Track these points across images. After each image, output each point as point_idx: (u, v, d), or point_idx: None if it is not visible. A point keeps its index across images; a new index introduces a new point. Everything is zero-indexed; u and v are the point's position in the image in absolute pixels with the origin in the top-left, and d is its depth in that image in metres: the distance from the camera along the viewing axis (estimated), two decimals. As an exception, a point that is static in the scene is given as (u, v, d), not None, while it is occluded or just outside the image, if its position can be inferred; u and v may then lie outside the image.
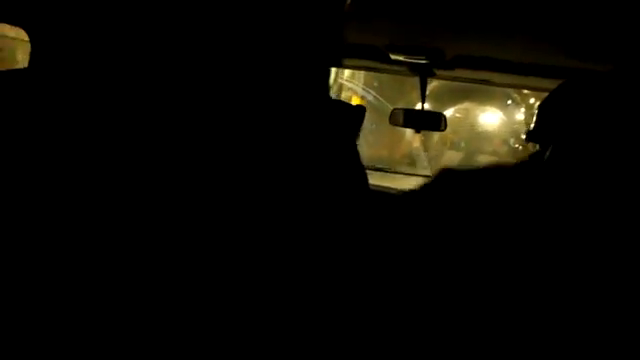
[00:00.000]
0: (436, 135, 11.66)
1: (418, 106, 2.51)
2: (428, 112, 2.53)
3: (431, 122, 2.51)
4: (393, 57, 2.24)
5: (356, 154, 0.65)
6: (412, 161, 12.12)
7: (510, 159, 14.77)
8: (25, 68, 0.62)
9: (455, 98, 12.36)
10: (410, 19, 1.87)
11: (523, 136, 14.28)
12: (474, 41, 2.00)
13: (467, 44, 2.07)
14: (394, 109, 2.58)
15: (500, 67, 2.18)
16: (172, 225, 0.50)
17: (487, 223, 0.81)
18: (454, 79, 2.51)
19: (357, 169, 0.65)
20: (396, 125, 2.49)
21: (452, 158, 14.46)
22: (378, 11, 1.81)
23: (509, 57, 2.10)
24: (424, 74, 2.40)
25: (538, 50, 1.95)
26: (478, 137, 14.16)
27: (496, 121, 14.80)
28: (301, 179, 0.56)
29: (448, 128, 2.55)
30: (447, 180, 0.86)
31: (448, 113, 13.64)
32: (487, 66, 2.19)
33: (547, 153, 0.99)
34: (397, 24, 1.97)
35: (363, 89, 11.15)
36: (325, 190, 0.57)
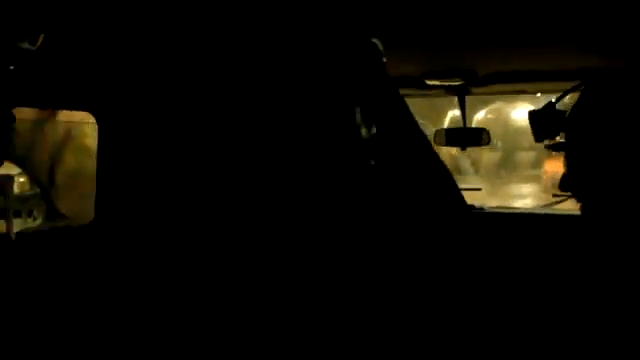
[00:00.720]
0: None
1: (449, 114, 2.55)
2: (470, 129, 2.57)
3: (474, 138, 2.56)
4: (429, 83, 2.31)
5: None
6: (455, 167, 11.96)
7: (548, 152, 14.50)
8: None
9: (485, 100, 12.23)
10: (441, 45, 1.93)
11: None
12: (501, 57, 2.06)
13: (495, 61, 2.13)
14: (437, 130, 2.63)
15: (529, 77, 2.23)
16: (175, 224, 0.52)
17: None
18: (489, 94, 2.55)
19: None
20: (440, 145, 2.55)
21: (491, 158, 14.28)
22: (410, 42, 1.88)
23: (534, 67, 2.14)
24: (461, 93, 2.45)
25: (556, 57, 1.99)
26: (514, 134, 13.94)
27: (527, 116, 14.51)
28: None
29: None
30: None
31: (480, 115, 13.53)
32: (517, 79, 2.24)
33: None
34: (429, 52, 2.04)
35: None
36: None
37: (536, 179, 13.47)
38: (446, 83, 2.30)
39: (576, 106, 1.05)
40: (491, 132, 2.54)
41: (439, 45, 1.91)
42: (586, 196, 0.99)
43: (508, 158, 14.40)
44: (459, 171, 11.83)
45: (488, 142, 2.55)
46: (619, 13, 1.48)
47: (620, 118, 0.92)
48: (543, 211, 2.51)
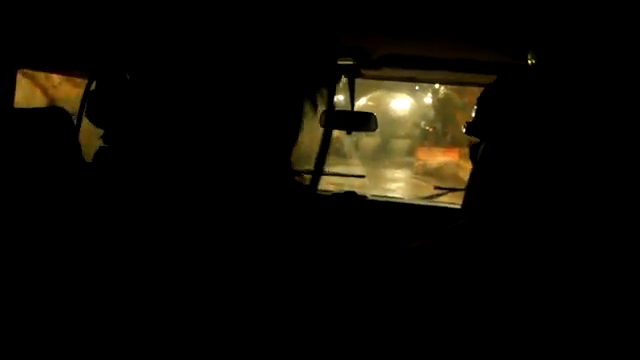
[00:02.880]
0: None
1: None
2: (358, 113, 2.40)
3: (362, 122, 2.40)
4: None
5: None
6: (339, 150, 12.15)
7: (422, 140, 15.38)
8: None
9: (366, 87, 12.49)
10: (333, 23, 1.76)
11: (432, 118, 14.75)
12: (398, 41, 1.94)
13: (391, 44, 1.99)
14: (324, 111, 2.44)
15: (424, 64, 2.11)
16: (172, 225, 0.49)
17: None
18: (381, 78, 2.41)
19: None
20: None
21: (370, 143, 14.68)
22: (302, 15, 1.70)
23: (432, 54, 2.04)
24: (351, 75, 2.28)
25: (457, 47, 1.91)
26: (391, 122, 14.40)
27: (407, 106, 15.10)
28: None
29: None
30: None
31: (361, 102, 13.80)
32: (411, 64, 2.12)
33: (481, 148, 0.97)
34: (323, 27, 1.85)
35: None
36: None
37: (409, 165, 14.09)
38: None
39: (481, 98, 1.03)
40: None
41: (331, 21, 1.73)
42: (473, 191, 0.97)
43: (385, 145, 14.87)
44: (343, 154, 12.00)
45: (375, 128, 2.40)
46: (519, 9, 1.41)
47: (518, 119, 0.90)
48: (424, 202, 2.42)
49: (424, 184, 10.91)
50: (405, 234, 1.99)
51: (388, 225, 2.20)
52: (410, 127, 15.32)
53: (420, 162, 13.84)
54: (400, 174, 13.60)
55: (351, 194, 2.29)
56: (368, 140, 14.45)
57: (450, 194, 2.41)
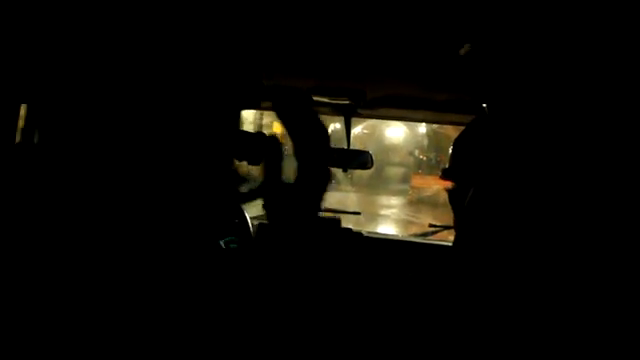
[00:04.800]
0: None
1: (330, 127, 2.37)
2: (355, 151, 2.36)
3: (358, 160, 2.36)
4: (316, 99, 2.08)
5: None
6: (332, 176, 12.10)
7: (416, 169, 15.42)
8: None
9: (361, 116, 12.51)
10: (332, 62, 1.76)
11: (426, 147, 14.79)
12: (393, 82, 1.92)
13: (387, 85, 1.98)
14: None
15: (419, 105, 2.10)
16: (169, 224, 0.50)
17: None
18: (377, 117, 2.38)
19: None
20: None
21: (364, 170, 14.65)
22: (301, 56, 1.70)
23: (425, 96, 2.03)
24: (348, 114, 2.25)
25: (449, 89, 1.90)
26: (386, 150, 14.41)
27: (401, 135, 15.13)
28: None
29: (358, 143, 2.42)
30: None
31: (356, 130, 13.83)
32: (406, 105, 2.10)
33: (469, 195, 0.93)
34: (319, 67, 1.85)
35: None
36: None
37: (403, 192, 14.07)
38: (334, 101, 2.09)
39: (458, 139, 0.99)
40: (365, 147, 2.39)
41: (330, 61, 1.74)
42: (462, 225, 0.93)
43: (380, 172, 14.86)
44: (337, 180, 11.97)
45: (371, 166, 2.36)
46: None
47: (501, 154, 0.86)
48: (419, 239, 2.38)
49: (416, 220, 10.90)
50: (400, 270, 1.93)
51: (383, 261, 2.15)
52: (404, 155, 15.34)
53: (414, 189, 13.84)
54: (395, 200, 13.57)
55: (347, 230, 2.25)
56: (363, 167, 14.44)
57: (446, 231, 2.38)
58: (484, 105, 1.67)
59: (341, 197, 8.99)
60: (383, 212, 11.94)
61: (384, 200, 13.52)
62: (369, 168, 2.39)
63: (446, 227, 2.42)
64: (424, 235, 2.47)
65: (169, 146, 0.54)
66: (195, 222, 0.56)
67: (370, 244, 2.25)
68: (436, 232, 2.44)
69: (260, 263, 0.63)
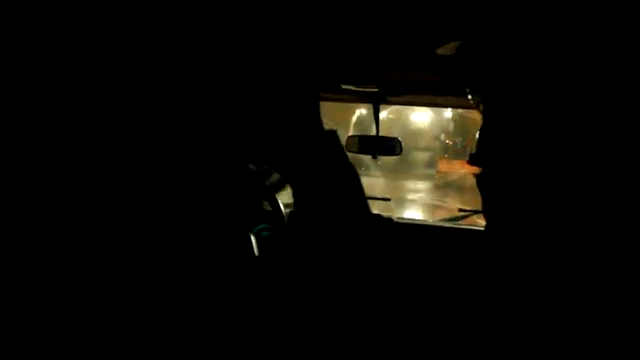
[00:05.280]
0: (372, 131, 11.62)
1: (357, 112, 2.38)
2: (383, 138, 2.37)
3: (387, 147, 2.37)
4: (344, 87, 2.09)
5: None
6: (360, 161, 12.11)
7: (442, 153, 15.26)
8: None
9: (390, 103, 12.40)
10: (359, 49, 1.76)
11: (452, 132, 14.61)
12: (420, 67, 1.91)
13: (414, 70, 1.97)
14: (349, 136, 2.42)
15: (446, 90, 2.08)
16: (171, 224, 0.50)
17: None
18: (404, 104, 2.38)
19: None
20: (351, 152, 2.33)
21: (389, 156, 14.54)
22: (329, 45, 1.71)
23: (448, 80, 2.01)
24: (376, 101, 2.25)
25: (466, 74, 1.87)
26: (412, 135, 14.28)
27: (427, 119, 14.97)
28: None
29: (383, 128, 2.42)
30: None
31: (382, 115, 13.73)
32: (433, 90, 2.09)
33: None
34: (347, 55, 1.85)
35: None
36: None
37: (430, 177, 13.97)
38: (361, 89, 2.09)
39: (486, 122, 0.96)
40: (390, 132, 2.38)
41: (357, 49, 1.74)
42: (492, 212, 0.90)
43: (406, 156, 14.75)
44: (365, 165, 11.93)
45: (400, 152, 2.37)
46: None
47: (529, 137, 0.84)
48: (449, 224, 2.37)
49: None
50: (430, 256, 1.94)
51: (414, 247, 2.16)
52: (430, 140, 15.19)
53: (441, 173, 13.72)
54: (422, 185, 13.48)
55: (377, 216, 2.26)
56: (389, 152, 14.34)
57: (475, 215, 2.37)
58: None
59: (369, 182, 8.97)
60: (410, 197, 11.89)
61: (411, 185, 13.44)
62: (398, 154, 2.40)
63: (475, 211, 2.42)
64: (454, 220, 2.46)
65: (198, 135, 0.55)
66: (224, 212, 0.60)
67: (400, 230, 2.26)
68: (466, 217, 2.43)
69: (293, 250, 0.63)
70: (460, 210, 2.49)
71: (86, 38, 0.51)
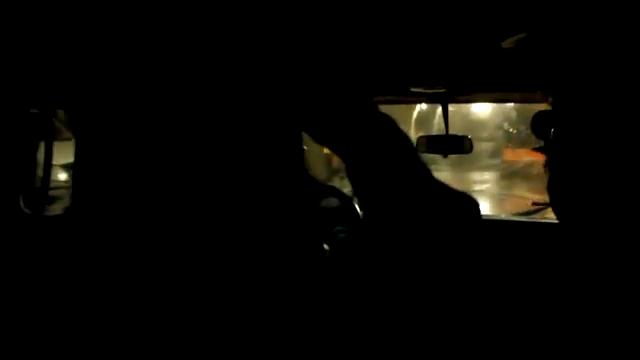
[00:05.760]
0: (434, 127, 11.47)
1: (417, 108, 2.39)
2: (452, 136, 2.39)
3: (456, 145, 2.38)
4: (414, 90, 2.13)
5: None
6: (428, 159, 11.92)
7: (506, 142, 14.83)
8: None
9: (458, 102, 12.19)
10: (426, 53, 1.79)
11: (514, 119, 14.17)
12: (485, 67, 1.91)
13: (479, 70, 1.97)
14: (419, 137, 2.45)
15: (514, 87, 2.07)
16: (172, 225, 0.48)
17: None
18: (472, 102, 2.38)
19: None
20: (422, 152, 2.36)
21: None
22: (396, 50, 1.74)
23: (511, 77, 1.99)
24: (444, 101, 2.27)
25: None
26: (474, 125, 13.96)
27: (488, 109, 14.60)
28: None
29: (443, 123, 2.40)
30: None
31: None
32: (501, 87, 2.08)
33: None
34: (415, 62, 1.88)
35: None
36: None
37: (494, 167, 13.63)
38: (429, 91, 2.12)
39: (558, 114, 0.95)
40: (452, 123, 2.37)
41: (424, 52, 1.77)
42: (563, 205, 0.90)
43: (469, 148, 14.43)
44: (433, 160, 11.84)
45: (470, 150, 2.38)
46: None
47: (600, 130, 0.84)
48: (524, 219, 2.36)
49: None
50: (505, 251, 1.94)
51: (491, 243, 2.16)
52: (493, 129, 14.80)
53: (507, 163, 13.36)
54: (487, 176, 13.19)
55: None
56: (452, 145, 14.08)
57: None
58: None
59: (437, 176, 8.86)
60: (477, 187, 11.66)
61: (477, 176, 13.18)
62: (469, 152, 2.40)
63: (550, 205, 2.39)
64: (528, 214, 2.44)
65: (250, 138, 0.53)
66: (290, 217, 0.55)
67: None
68: (540, 210, 2.41)
69: (370, 253, 0.61)
70: (534, 204, 2.46)
71: (86, 38, 0.51)
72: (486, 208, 10.18)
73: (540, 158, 1.05)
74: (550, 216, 2.32)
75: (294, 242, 0.54)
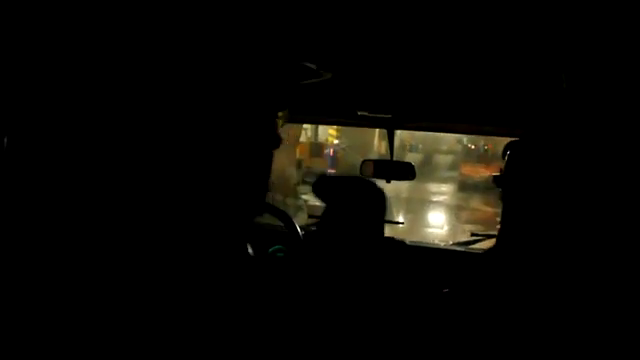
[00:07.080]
0: (397, 140, 11.57)
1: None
2: (397, 162, 2.35)
3: (401, 172, 2.35)
4: (360, 113, 2.09)
5: None
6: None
7: (464, 157, 15.13)
8: None
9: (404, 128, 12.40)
10: (373, 78, 1.75)
11: (474, 135, 14.43)
12: (431, 97, 1.89)
13: (425, 100, 1.95)
14: (364, 160, 2.40)
15: (457, 118, 2.05)
16: (170, 225, 0.49)
17: None
18: (417, 129, 2.36)
19: None
20: (367, 176, 2.32)
21: (412, 159, 14.48)
22: (345, 73, 1.70)
23: (463, 108, 1.98)
24: (390, 127, 2.23)
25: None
26: (434, 138, 14.17)
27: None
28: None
29: (406, 132, 2.39)
30: None
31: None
32: (445, 118, 2.06)
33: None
34: (362, 87, 1.84)
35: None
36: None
37: (452, 180, 13.87)
38: (376, 115, 2.08)
39: (512, 150, 0.95)
40: (413, 135, 2.34)
41: (371, 77, 1.73)
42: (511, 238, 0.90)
43: (429, 159, 14.62)
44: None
45: (413, 177, 2.35)
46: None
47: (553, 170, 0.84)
48: (460, 248, 2.34)
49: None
50: (441, 279, 1.92)
51: (425, 270, 2.14)
52: (452, 143, 15.05)
53: (464, 176, 13.60)
54: (444, 188, 13.40)
55: (389, 239, 2.24)
56: (413, 155, 14.28)
57: (488, 240, 2.33)
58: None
59: (396, 186, 8.97)
60: (435, 199, 11.83)
61: (435, 187, 13.37)
62: (411, 179, 2.37)
63: (489, 236, 2.38)
64: (467, 244, 2.43)
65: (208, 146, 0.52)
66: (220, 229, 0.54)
67: (413, 253, 2.24)
68: (478, 241, 2.40)
69: (308, 272, 0.62)
70: (473, 234, 2.46)
71: (85, 38, 0.51)
72: (442, 219, 10.34)
73: (495, 173, 1.04)
74: (485, 246, 2.32)
75: (217, 246, 0.54)
